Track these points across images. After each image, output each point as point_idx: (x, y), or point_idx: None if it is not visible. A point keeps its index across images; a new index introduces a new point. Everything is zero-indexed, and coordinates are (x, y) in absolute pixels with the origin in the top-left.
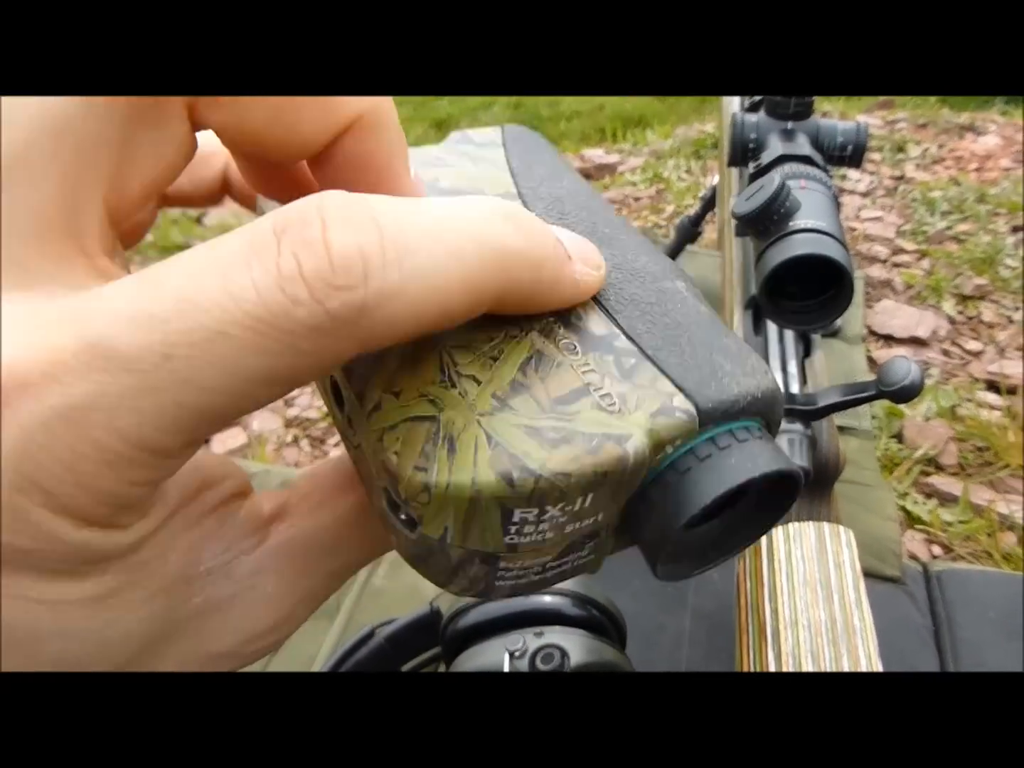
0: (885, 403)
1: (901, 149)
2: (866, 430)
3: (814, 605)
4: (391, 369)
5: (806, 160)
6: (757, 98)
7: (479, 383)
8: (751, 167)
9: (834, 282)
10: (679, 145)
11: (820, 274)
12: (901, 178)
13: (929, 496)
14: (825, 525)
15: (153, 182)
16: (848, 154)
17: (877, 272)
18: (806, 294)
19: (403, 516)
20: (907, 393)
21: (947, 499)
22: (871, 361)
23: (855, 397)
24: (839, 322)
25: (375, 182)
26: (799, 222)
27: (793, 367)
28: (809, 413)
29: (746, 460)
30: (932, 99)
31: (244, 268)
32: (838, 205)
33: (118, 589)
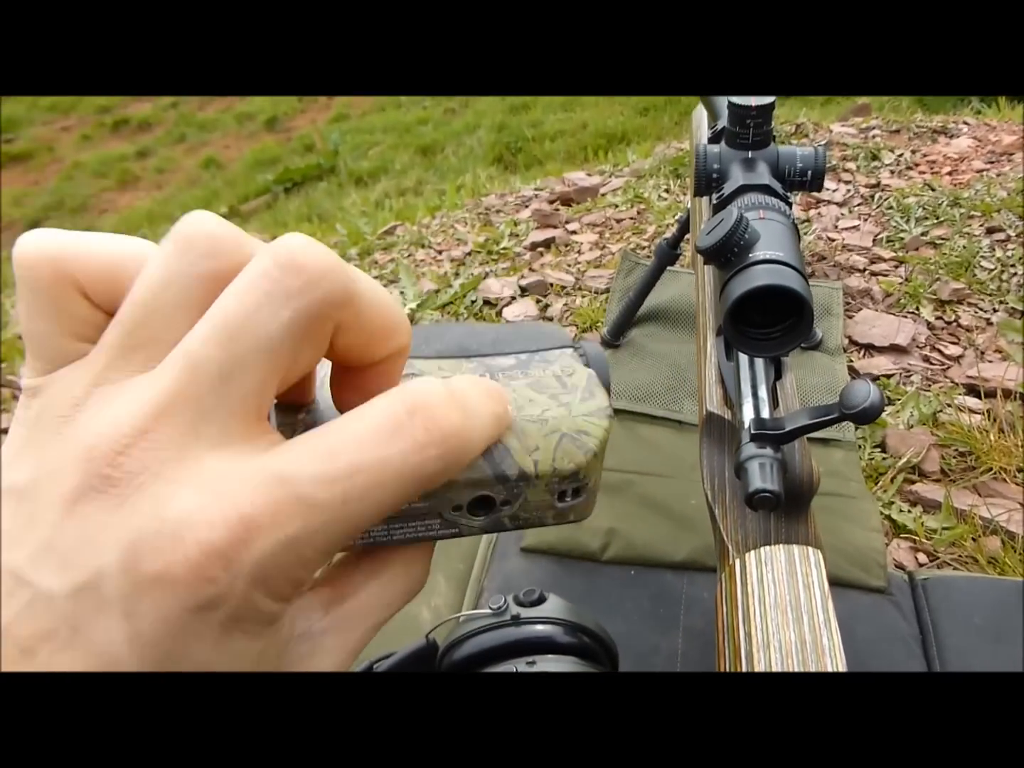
0: None
1: (875, 157)
2: (849, 441)
3: (784, 627)
4: (516, 449)
5: (765, 189)
6: (719, 128)
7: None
8: (714, 197)
9: (794, 310)
10: (658, 164)
11: (781, 303)
12: (876, 186)
13: (914, 504)
14: (795, 548)
15: (303, 373)
16: (808, 179)
17: (855, 282)
18: (769, 322)
19: (570, 490)
20: (868, 415)
21: (931, 506)
22: (853, 371)
23: (820, 420)
24: (820, 334)
25: (384, 375)
26: (758, 253)
27: (763, 391)
28: (778, 437)
29: None
30: (905, 103)
31: (391, 441)
32: (797, 231)
33: (263, 651)
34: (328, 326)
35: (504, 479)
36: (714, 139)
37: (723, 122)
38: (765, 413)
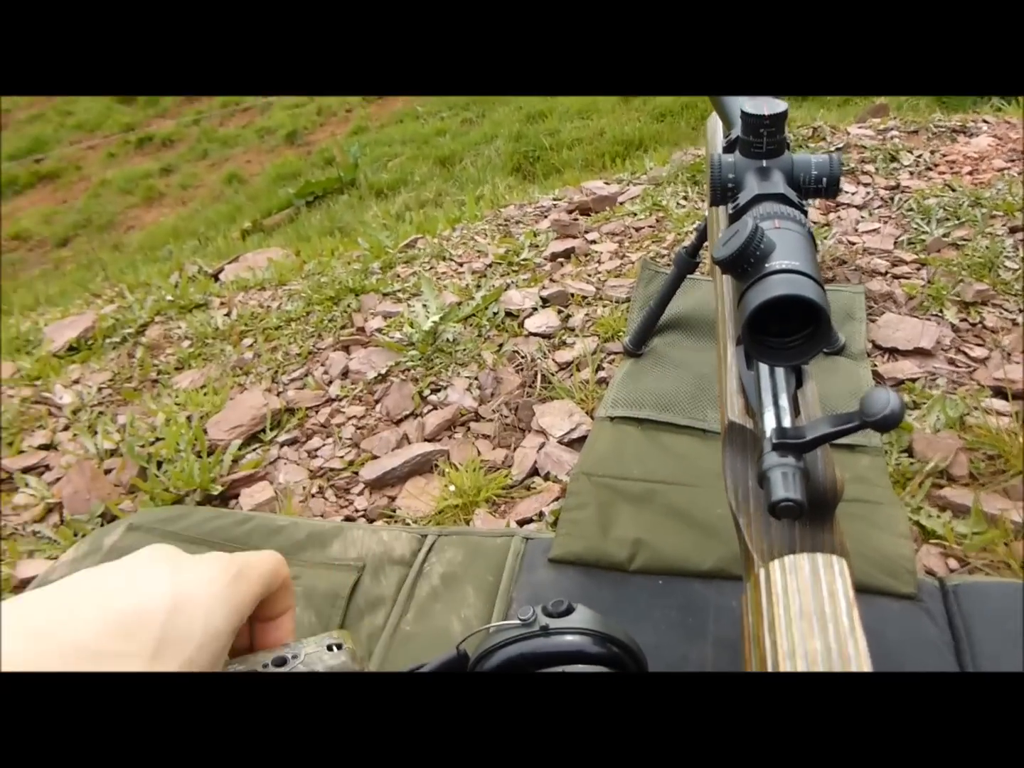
0: None
1: (894, 158)
2: (876, 447)
3: (810, 636)
4: None
5: (780, 198)
6: (734, 137)
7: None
8: (730, 207)
9: (812, 319)
10: (676, 171)
11: (799, 312)
12: (896, 187)
13: (943, 509)
14: (819, 556)
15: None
16: (824, 186)
17: (877, 285)
18: (787, 331)
19: (334, 645)
20: (888, 423)
21: (960, 511)
22: (878, 376)
23: (841, 428)
24: (843, 339)
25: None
26: (775, 263)
27: (784, 400)
28: (800, 446)
29: None
30: (923, 103)
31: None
32: (814, 240)
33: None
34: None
35: (287, 644)
36: (729, 148)
37: (737, 131)
38: (787, 422)
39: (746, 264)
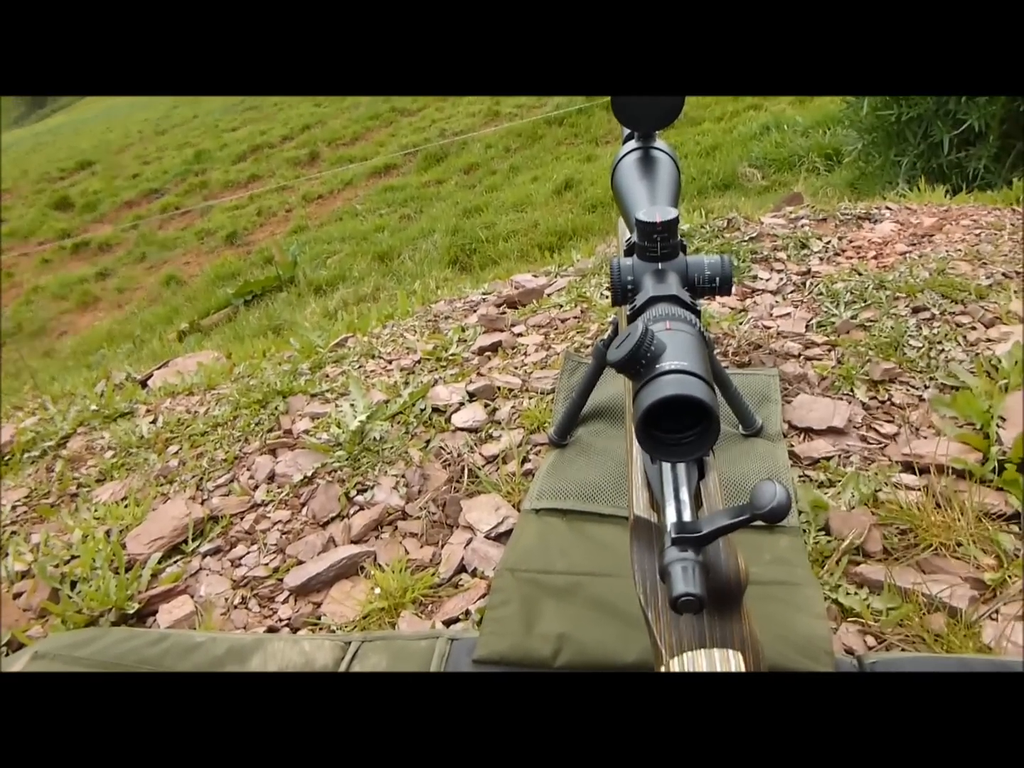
0: (811, 496)
1: (805, 245)
2: (794, 527)
3: None
4: None
5: (673, 300)
6: (632, 241)
7: None
8: (628, 308)
9: (701, 417)
10: (600, 263)
11: (689, 411)
12: (807, 273)
13: (860, 586)
14: (716, 652)
15: None
16: (717, 285)
17: (791, 368)
18: (681, 428)
19: None
20: (775, 514)
21: (876, 587)
22: (794, 456)
23: (734, 521)
24: (760, 421)
25: None
26: (665, 364)
27: (685, 494)
28: (698, 540)
29: None
30: (831, 192)
31: None
32: (704, 339)
33: None
34: None
35: None
36: (629, 252)
37: (634, 237)
38: (687, 515)
39: (638, 366)
